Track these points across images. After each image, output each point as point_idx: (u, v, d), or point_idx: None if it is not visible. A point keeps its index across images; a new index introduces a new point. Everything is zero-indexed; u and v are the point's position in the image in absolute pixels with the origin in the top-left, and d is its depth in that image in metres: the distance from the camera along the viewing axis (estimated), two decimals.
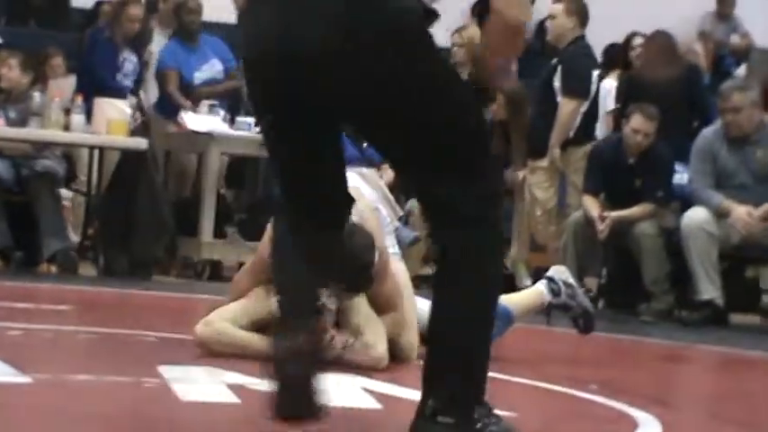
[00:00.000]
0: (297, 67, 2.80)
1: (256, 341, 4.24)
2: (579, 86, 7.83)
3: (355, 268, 3.26)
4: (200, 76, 8.64)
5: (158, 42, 8.98)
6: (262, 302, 4.30)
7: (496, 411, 2.94)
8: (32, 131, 7.50)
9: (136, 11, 8.32)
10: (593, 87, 8.02)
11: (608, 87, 8.58)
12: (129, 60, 8.38)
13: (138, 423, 3.21)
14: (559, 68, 7.81)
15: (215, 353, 4.22)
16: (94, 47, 8.35)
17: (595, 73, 8.09)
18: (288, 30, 2.79)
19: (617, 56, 9.22)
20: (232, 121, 8.28)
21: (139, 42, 8.51)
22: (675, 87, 7.84)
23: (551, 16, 8.07)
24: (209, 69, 8.71)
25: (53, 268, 7.46)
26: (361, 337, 4.22)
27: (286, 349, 2.85)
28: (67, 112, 7.59)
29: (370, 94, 2.79)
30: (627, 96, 7.89)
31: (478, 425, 2.87)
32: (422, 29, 2.81)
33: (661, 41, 8.05)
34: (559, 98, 7.78)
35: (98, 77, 8.18)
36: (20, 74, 7.73)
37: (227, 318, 4.30)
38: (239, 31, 2.98)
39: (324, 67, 2.78)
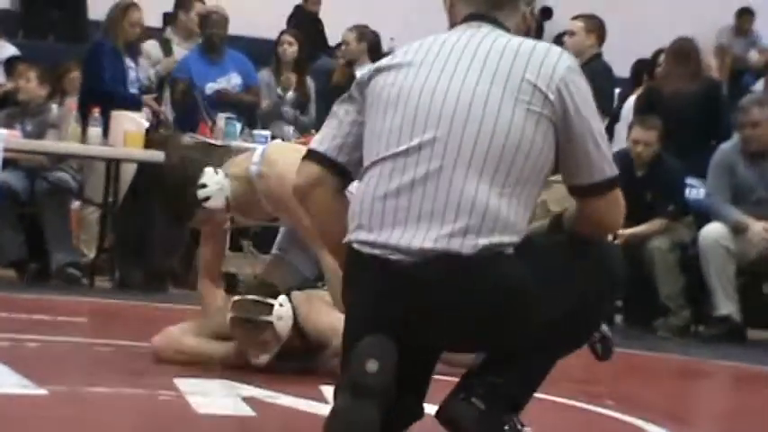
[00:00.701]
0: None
1: (207, 347, 4.35)
2: (604, 104, 7.82)
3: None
4: (212, 86, 8.61)
5: (179, 54, 8.98)
6: (221, 316, 4.35)
7: (526, 428, 2.97)
8: (49, 144, 7.52)
9: (137, 15, 8.28)
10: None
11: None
12: (131, 68, 8.38)
13: None
14: None
15: (172, 361, 4.29)
16: (99, 57, 8.26)
17: (616, 91, 8.08)
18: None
19: (643, 71, 9.19)
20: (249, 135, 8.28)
21: (136, 49, 8.48)
22: (695, 102, 7.81)
23: (570, 32, 8.06)
24: (225, 82, 8.70)
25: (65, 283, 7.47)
26: (332, 344, 4.16)
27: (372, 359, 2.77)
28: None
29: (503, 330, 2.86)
30: (645, 110, 7.86)
31: (505, 427, 2.91)
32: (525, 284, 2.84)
33: (683, 47, 8.01)
34: None
35: (107, 89, 8.13)
36: (37, 86, 7.75)
37: (186, 329, 4.42)
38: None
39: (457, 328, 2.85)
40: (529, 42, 2.93)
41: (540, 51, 2.89)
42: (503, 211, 2.81)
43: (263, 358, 4.24)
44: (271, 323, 4.20)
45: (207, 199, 4.34)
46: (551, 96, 2.86)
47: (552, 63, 2.88)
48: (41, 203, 7.53)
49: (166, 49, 9.00)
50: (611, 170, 2.93)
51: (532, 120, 2.84)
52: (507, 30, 2.99)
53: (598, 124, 2.93)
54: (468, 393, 2.90)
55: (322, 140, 3.01)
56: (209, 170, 4.38)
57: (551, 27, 11.93)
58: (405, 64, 2.94)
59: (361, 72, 3.30)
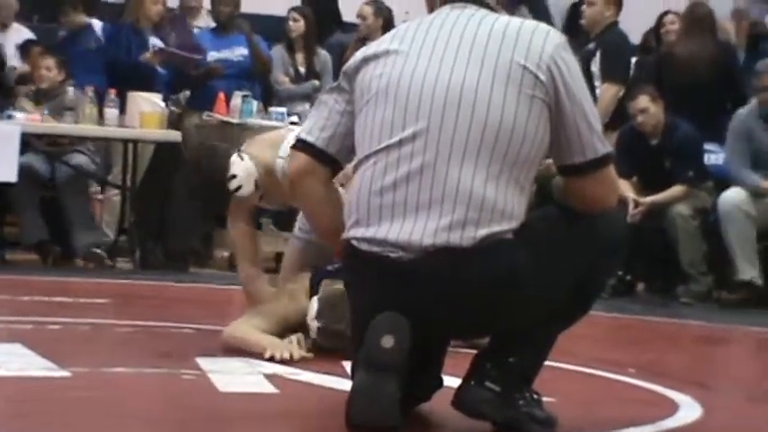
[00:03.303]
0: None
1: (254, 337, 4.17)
2: (620, 72, 7.81)
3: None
4: (214, 55, 8.51)
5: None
6: (287, 306, 4.27)
7: (542, 398, 2.97)
8: (66, 126, 7.53)
9: None
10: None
11: None
12: (157, 47, 8.33)
13: (177, 415, 3.22)
14: (598, 53, 7.76)
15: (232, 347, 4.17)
16: (118, 39, 8.20)
17: (633, 59, 8.04)
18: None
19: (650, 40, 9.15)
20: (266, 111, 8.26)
21: (161, 28, 8.43)
22: (709, 66, 7.77)
23: (589, 2, 8.01)
24: (229, 53, 8.58)
25: (90, 264, 7.50)
26: None
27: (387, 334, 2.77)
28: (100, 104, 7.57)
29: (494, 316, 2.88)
30: (658, 76, 7.82)
31: (521, 402, 2.90)
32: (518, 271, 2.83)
33: (697, 11, 7.98)
34: (597, 83, 7.73)
35: (128, 69, 8.08)
36: (57, 73, 7.77)
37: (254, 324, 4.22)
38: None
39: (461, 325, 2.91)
40: (515, 22, 2.89)
41: (526, 32, 2.85)
42: (500, 199, 2.79)
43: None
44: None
45: (239, 188, 4.32)
46: (542, 77, 2.82)
47: (540, 43, 2.85)
48: (62, 187, 7.55)
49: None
50: (604, 147, 2.91)
51: (525, 103, 2.81)
52: (489, 7, 2.95)
53: (589, 102, 2.90)
54: (481, 377, 2.91)
55: (311, 130, 3.00)
56: (235, 159, 4.34)
57: None
58: (392, 52, 2.91)
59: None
